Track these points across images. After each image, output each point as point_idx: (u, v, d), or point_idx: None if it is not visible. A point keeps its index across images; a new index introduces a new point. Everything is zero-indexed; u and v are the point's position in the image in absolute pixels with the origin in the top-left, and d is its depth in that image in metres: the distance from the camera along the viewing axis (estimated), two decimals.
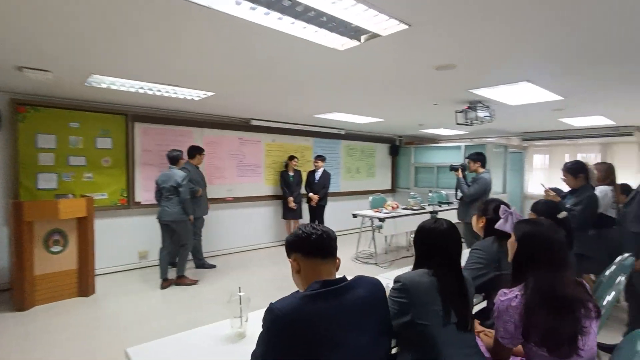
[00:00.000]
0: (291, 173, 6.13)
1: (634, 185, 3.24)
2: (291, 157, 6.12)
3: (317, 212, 6.20)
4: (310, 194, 6.06)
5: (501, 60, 2.77)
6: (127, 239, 4.88)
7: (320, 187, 6.08)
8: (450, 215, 6.51)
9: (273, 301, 1.10)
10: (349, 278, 1.23)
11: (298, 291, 1.16)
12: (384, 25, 2.04)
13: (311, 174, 6.22)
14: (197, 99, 4.20)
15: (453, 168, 4.59)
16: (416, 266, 1.49)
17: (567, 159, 7.96)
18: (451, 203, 6.78)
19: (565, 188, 3.38)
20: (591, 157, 7.61)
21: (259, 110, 5.14)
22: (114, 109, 4.64)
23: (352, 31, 2.14)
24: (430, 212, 6.04)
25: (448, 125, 6.85)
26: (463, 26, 2.08)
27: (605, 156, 7.46)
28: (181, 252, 4.36)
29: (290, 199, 5.99)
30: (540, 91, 3.67)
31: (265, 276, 4.78)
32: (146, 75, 3.26)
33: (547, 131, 7.59)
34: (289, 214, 6.10)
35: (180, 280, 4.34)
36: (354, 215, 5.64)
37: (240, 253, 5.92)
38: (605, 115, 5.52)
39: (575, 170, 3.08)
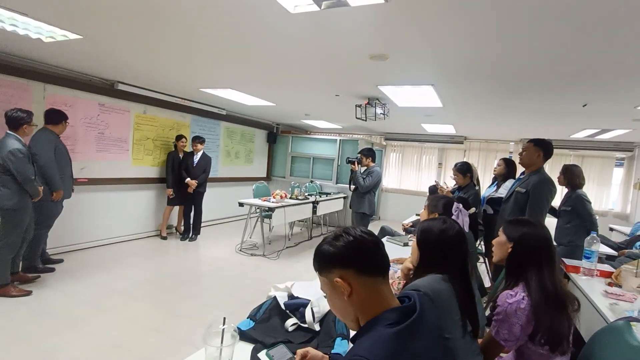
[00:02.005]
0: (182, 155, 5.45)
1: None
2: (179, 137, 5.40)
3: (195, 200, 5.54)
4: (188, 180, 5.34)
5: (419, 60, 2.90)
6: None
7: (200, 171, 5.44)
8: (332, 204, 6.79)
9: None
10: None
11: (374, 326, 0.82)
12: None
13: (188, 156, 5.49)
14: (48, 40, 3.02)
15: (350, 161, 4.71)
16: (423, 270, 1.34)
17: (415, 159, 9.33)
18: (328, 194, 7.06)
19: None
20: (433, 159, 9.11)
21: (131, 72, 4.10)
22: None
23: None
24: (313, 202, 6.13)
25: (331, 118, 7.06)
26: (421, 11, 2.02)
27: (442, 158, 9.02)
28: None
29: (170, 190, 5.36)
30: (432, 96, 4.06)
31: (140, 276, 3.92)
32: None
33: (405, 133, 8.71)
34: (173, 200, 5.39)
35: (2, 291, 3.12)
36: (241, 204, 5.21)
37: (97, 248, 4.71)
38: (454, 125, 6.63)
39: (464, 170, 3.53)
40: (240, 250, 5.17)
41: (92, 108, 4.47)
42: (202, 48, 3.00)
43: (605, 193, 7.47)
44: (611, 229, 5.89)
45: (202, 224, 5.90)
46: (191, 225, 5.61)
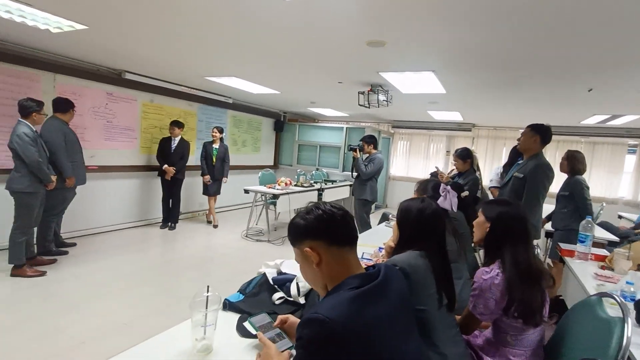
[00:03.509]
0: (215, 146, 5.60)
1: None
2: (221, 130, 5.64)
3: (172, 187, 5.31)
4: (165, 166, 5.10)
5: (418, 46, 2.90)
6: None
7: (177, 157, 5.20)
8: (337, 192, 6.85)
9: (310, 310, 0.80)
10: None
11: (338, 291, 0.89)
12: None
13: (166, 142, 5.20)
14: (56, 31, 3.11)
15: (351, 148, 4.75)
16: (402, 248, 1.40)
17: (423, 147, 9.28)
18: (334, 181, 7.12)
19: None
20: (441, 147, 9.05)
21: (137, 61, 4.19)
22: None
23: None
24: (319, 190, 6.20)
25: (336, 106, 7.07)
26: None
27: (449, 146, 8.95)
28: (11, 234, 3.31)
29: (207, 176, 5.56)
30: (435, 82, 4.05)
31: (147, 261, 4.07)
32: None
33: (412, 121, 8.66)
34: (210, 189, 5.60)
35: (18, 271, 3.31)
36: (246, 191, 5.32)
37: (106, 234, 4.89)
38: (461, 112, 6.58)
39: (464, 156, 3.54)
40: (246, 237, 5.29)
41: (100, 97, 4.60)
42: (204, 36, 3.05)
43: (616, 180, 7.35)
44: (620, 217, 5.82)
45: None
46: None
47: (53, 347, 2.31)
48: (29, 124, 3.27)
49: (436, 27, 2.45)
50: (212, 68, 4.31)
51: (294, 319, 1.16)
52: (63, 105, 3.73)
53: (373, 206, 6.88)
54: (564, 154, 3.48)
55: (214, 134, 5.59)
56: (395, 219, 1.51)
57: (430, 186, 2.18)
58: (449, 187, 2.16)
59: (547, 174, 2.88)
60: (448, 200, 2.08)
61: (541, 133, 2.94)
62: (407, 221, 1.41)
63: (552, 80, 3.59)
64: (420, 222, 1.38)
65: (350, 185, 7.36)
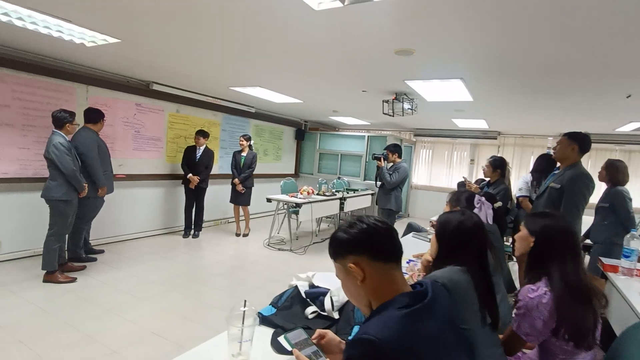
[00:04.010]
0: (243, 154, 5.60)
1: None
2: (248, 138, 5.63)
3: (196, 196, 5.36)
4: (190, 175, 5.15)
5: (447, 54, 2.85)
6: None
7: (202, 167, 5.24)
8: (359, 201, 6.78)
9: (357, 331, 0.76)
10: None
11: (386, 309, 0.85)
12: None
13: (191, 151, 5.24)
14: (90, 45, 3.23)
15: (376, 157, 4.69)
16: (442, 262, 1.34)
17: (446, 155, 9.09)
18: (356, 190, 7.05)
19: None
20: (465, 155, 8.84)
21: (165, 72, 4.29)
22: None
23: None
24: (341, 199, 6.14)
25: (359, 115, 7.04)
26: (447, 4, 1.99)
27: (474, 154, 8.74)
28: (46, 241, 3.40)
29: (237, 180, 5.53)
30: (462, 90, 3.96)
31: (174, 268, 4.11)
32: None
33: (435, 129, 8.52)
34: (238, 198, 5.57)
35: (50, 277, 3.40)
36: (269, 200, 5.33)
37: (133, 241, 4.99)
38: (487, 120, 6.41)
39: (496, 165, 3.42)
40: (268, 245, 5.29)
41: (129, 108, 4.74)
42: (231, 47, 3.09)
43: None
44: None
45: (233, 220, 6.09)
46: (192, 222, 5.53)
47: (86, 355, 2.34)
48: (63, 135, 3.40)
49: (467, 35, 2.39)
50: (238, 78, 4.37)
51: (332, 335, 1.12)
52: (94, 116, 3.85)
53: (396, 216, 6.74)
54: (604, 163, 3.32)
55: (240, 142, 5.61)
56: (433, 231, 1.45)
57: (463, 197, 2.11)
58: (483, 199, 2.09)
59: (587, 184, 2.73)
60: (483, 212, 2.01)
61: (579, 141, 2.79)
62: (447, 234, 1.35)
63: (588, 85, 3.44)
64: (460, 235, 1.32)
65: (372, 194, 7.28)
